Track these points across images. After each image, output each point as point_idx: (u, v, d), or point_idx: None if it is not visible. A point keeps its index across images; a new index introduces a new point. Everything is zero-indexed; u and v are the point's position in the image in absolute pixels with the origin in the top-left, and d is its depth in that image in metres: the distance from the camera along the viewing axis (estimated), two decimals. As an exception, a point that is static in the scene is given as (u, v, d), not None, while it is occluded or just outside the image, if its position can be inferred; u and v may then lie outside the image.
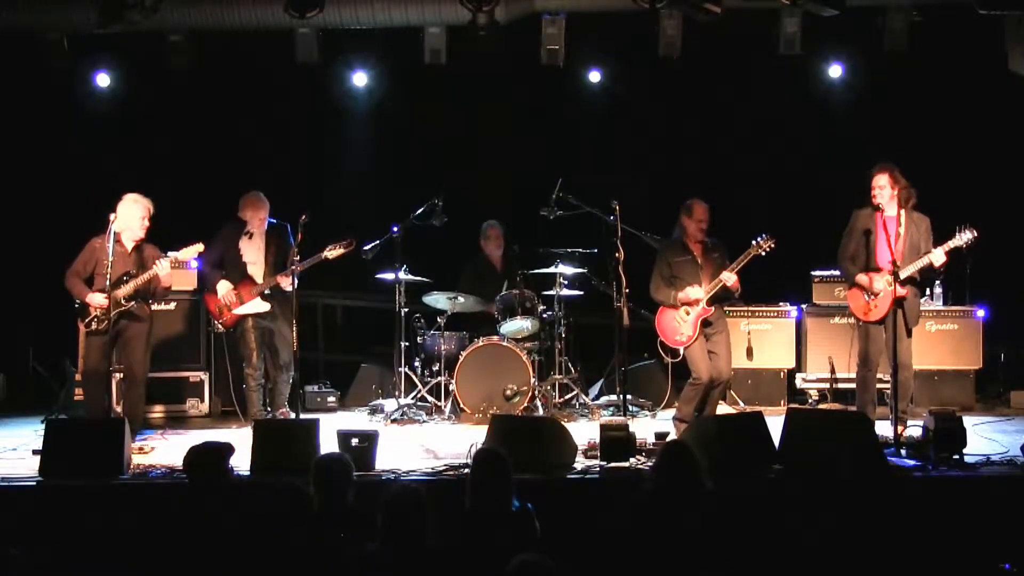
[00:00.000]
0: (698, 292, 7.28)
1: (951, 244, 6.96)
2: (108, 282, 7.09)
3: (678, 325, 7.37)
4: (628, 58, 9.30)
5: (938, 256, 6.96)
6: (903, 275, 6.91)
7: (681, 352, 7.42)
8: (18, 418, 8.43)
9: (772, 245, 7.17)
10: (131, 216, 7.36)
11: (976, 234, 6.95)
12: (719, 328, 7.44)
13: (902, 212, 7.03)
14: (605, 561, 4.70)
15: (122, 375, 7.68)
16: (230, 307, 7.88)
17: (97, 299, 7.25)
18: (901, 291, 6.93)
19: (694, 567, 4.51)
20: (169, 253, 7.44)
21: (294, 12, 8.08)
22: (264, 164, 9.34)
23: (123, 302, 7.26)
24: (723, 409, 8.10)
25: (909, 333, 7.06)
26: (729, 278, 7.20)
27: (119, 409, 7.75)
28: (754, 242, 7.18)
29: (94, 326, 7.32)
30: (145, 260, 7.41)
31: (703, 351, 7.35)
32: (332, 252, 7.78)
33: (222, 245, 8.01)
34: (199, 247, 7.56)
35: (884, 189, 7.04)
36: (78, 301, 7.35)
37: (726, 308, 8.67)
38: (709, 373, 7.31)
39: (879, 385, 7.44)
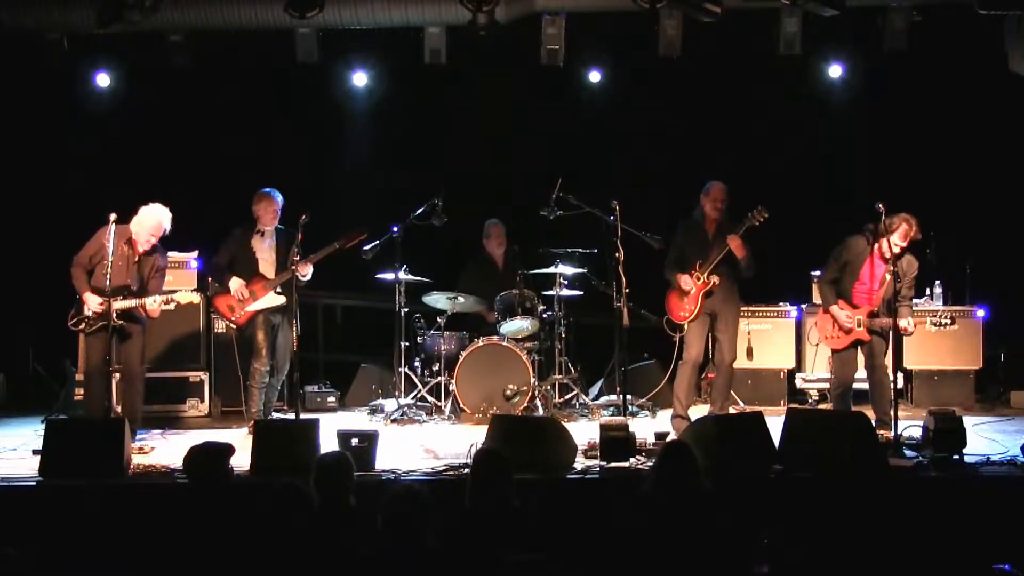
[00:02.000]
0: (688, 283, 7.50)
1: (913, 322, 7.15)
2: (108, 282, 7.08)
3: (682, 302, 7.60)
4: (628, 58, 9.29)
5: (908, 324, 7.10)
6: (866, 323, 7.23)
7: (685, 327, 7.63)
8: (18, 418, 8.43)
9: (766, 215, 7.34)
10: (141, 226, 7.35)
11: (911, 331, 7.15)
12: (726, 312, 7.61)
13: (895, 257, 7.11)
14: (605, 561, 4.70)
15: (120, 374, 7.68)
16: (243, 303, 7.87)
17: (93, 302, 7.24)
18: (866, 335, 7.24)
19: (694, 567, 4.51)
20: (162, 295, 7.42)
21: (294, 12, 8.07)
22: (264, 164, 9.33)
23: (114, 318, 7.18)
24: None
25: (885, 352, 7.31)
26: (733, 240, 7.35)
27: (119, 409, 7.75)
28: (748, 214, 7.37)
29: (82, 327, 7.34)
30: (145, 276, 7.39)
31: (701, 331, 7.61)
32: (346, 242, 7.80)
33: (233, 246, 7.98)
34: (195, 298, 7.63)
35: (903, 246, 7.12)
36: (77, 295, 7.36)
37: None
38: (700, 353, 7.63)
39: (861, 387, 7.59)
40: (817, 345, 8.42)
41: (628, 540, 4.68)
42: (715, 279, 7.47)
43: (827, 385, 8.64)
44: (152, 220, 7.37)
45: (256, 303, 7.88)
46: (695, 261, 7.54)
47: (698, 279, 7.51)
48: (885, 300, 7.21)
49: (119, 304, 7.21)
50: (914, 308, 7.32)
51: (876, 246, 7.22)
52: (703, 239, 7.59)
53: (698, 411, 7.89)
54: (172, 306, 8.54)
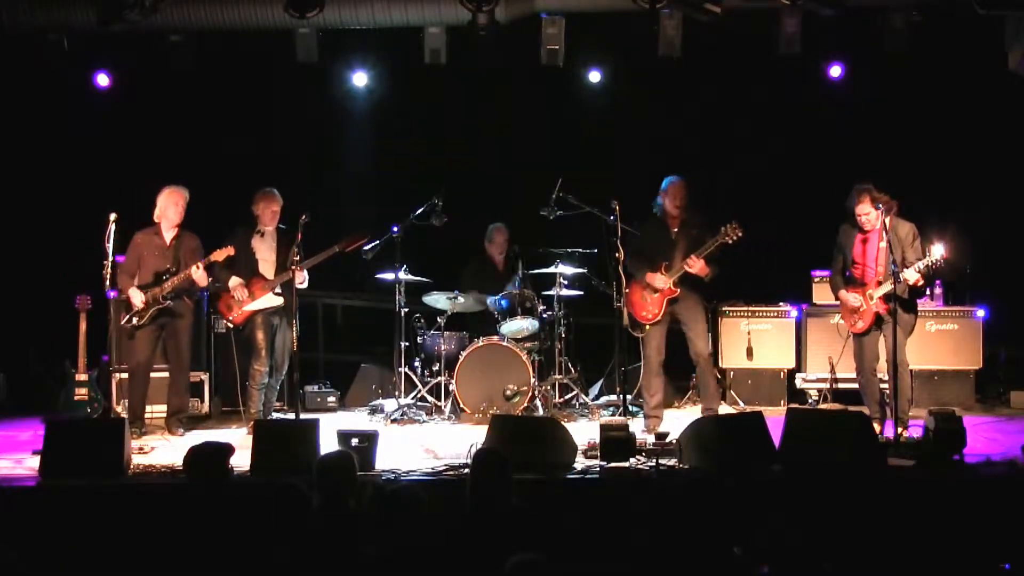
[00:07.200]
0: (662, 281, 7.44)
1: (924, 263, 7.00)
2: (130, 278, 7.35)
3: (645, 302, 7.55)
4: (628, 58, 9.29)
5: (911, 275, 6.99)
6: (876, 295, 7.11)
7: (647, 328, 7.58)
8: (18, 418, 8.42)
9: (740, 234, 7.30)
10: (167, 205, 7.66)
11: (945, 254, 6.98)
12: (689, 311, 7.54)
13: (884, 225, 7.06)
14: (605, 561, 4.70)
15: (168, 369, 7.88)
16: (241, 303, 7.88)
17: (137, 297, 7.52)
18: (881, 307, 7.11)
19: (699, 566, 4.51)
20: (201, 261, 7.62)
21: (294, 12, 8.08)
22: (264, 164, 9.33)
23: (162, 300, 7.52)
24: (723, 409, 8.12)
25: (904, 336, 7.13)
26: (693, 264, 7.33)
27: (119, 409, 7.78)
28: (722, 228, 7.32)
29: (135, 321, 7.54)
30: (184, 256, 7.61)
31: (661, 334, 7.56)
32: (347, 245, 7.85)
33: (235, 246, 8.00)
34: (230, 250, 7.66)
35: (868, 215, 7.13)
36: (121, 296, 7.54)
37: (725, 309, 8.76)
38: (661, 353, 7.57)
39: (881, 386, 7.48)
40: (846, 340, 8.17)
41: (642, 539, 4.67)
42: (679, 287, 7.46)
43: (827, 385, 8.65)
44: (174, 197, 7.69)
45: (254, 303, 7.89)
46: (660, 262, 7.50)
47: (664, 283, 7.48)
48: (888, 269, 7.08)
49: (164, 288, 7.51)
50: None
51: (861, 223, 7.22)
52: (665, 236, 7.57)
53: (695, 412, 7.90)
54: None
